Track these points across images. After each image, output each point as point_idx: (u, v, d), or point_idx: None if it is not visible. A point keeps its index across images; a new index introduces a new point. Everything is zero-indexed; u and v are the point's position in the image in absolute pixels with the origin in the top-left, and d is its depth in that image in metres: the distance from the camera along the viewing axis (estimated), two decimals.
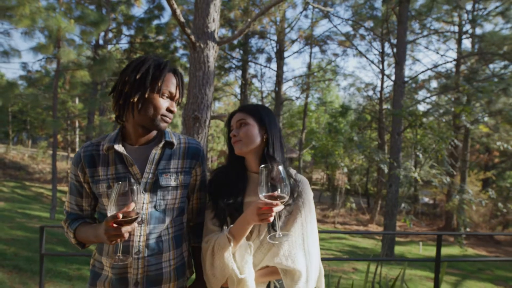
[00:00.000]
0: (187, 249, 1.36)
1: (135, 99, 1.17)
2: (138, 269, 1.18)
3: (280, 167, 1.07)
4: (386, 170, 6.71)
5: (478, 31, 12.66)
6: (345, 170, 14.73)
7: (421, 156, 5.33)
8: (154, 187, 1.21)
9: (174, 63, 15.90)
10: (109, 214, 0.99)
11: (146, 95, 1.17)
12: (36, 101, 9.05)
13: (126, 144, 1.25)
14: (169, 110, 1.20)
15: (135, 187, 1.02)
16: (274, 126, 1.30)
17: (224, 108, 29.16)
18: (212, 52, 4.24)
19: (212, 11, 4.16)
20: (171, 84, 1.20)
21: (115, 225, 0.98)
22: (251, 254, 1.20)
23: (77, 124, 22.61)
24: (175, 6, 3.79)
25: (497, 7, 11.36)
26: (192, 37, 4.08)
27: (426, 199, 21.04)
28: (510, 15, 10.63)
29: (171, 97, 1.21)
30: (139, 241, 1.18)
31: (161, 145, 1.24)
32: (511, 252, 11.66)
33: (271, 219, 1.07)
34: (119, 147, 1.20)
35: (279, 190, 1.04)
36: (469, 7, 12.61)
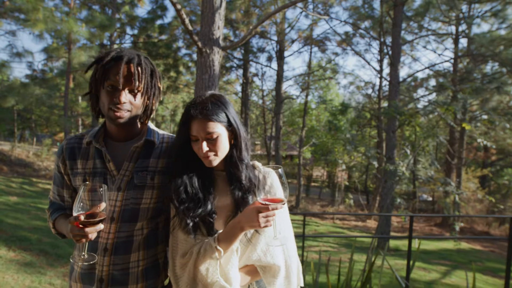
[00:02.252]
0: (163, 251, 1.29)
1: (91, 98, 1.19)
2: (103, 267, 1.15)
3: (280, 170, 1.02)
4: (376, 165, 7.07)
5: (476, 30, 12.96)
6: (344, 167, 15.08)
7: (408, 151, 5.66)
8: (128, 185, 1.17)
9: (177, 62, 16.22)
10: (74, 214, 0.97)
11: (94, 92, 1.17)
12: (41, 100, 9.40)
13: (109, 140, 1.22)
14: (114, 102, 1.11)
15: (102, 188, 0.98)
16: (239, 123, 1.17)
17: None
18: (217, 57, 4.61)
19: (217, 20, 4.53)
20: (115, 74, 1.10)
21: (80, 225, 0.96)
22: (237, 256, 1.12)
23: (80, 122, 23.00)
24: (184, 16, 4.17)
25: (492, 8, 11.67)
26: (199, 44, 4.46)
27: (425, 196, 21.38)
28: (504, 16, 10.95)
29: (117, 87, 1.11)
30: (107, 239, 1.16)
31: (140, 142, 1.19)
32: (505, 247, 12.01)
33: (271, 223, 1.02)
34: (97, 143, 1.18)
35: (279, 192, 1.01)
36: (465, 7, 12.92)
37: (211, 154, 1.12)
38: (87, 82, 11.13)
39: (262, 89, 20.06)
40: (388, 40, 11.23)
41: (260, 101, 22.60)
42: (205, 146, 1.11)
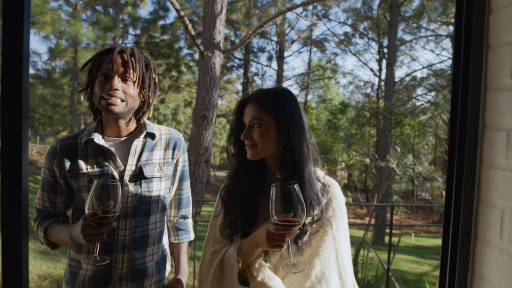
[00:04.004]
0: (167, 243, 1.34)
1: (87, 92, 1.18)
2: (124, 264, 1.14)
3: (296, 186, 0.87)
4: (368, 162, 7.35)
5: None
6: (343, 165, 15.34)
7: (399, 150, 5.94)
8: (138, 179, 1.16)
9: (178, 62, 16.46)
10: (86, 212, 0.94)
11: (89, 84, 1.16)
12: (45, 99, 9.68)
13: (105, 136, 1.18)
14: (106, 89, 1.08)
15: (115, 184, 0.95)
16: (296, 122, 1.03)
17: (226, 105, 29.75)
18: (218, 59, 4.90)
19: (218, 25, 4.81)
20: (108, 63, 1.09)
21: (93, 223, 0.93)
22: (273, 275, 1.01)
23: (82, 120, 23.30)
24: (187, 22, 4.45)
25: None
26: (201, 47, 4.74)
27: (424, 195, 21.60)
28: None
29: (109, 74, 1.09)
30: (124, 235, 1.14)
31: (142, 136, 1.19)
32: None
33: (284, 245, 0.89)
34: (98, 140, 1.14)
35: (294, 212, 0.85)
36: None
37: (251, 143, 1.04)
38: None
39: None
40: (386, 41, 11.47)
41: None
42: (247, 133, 1.04)
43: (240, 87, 20.89)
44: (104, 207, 0.91)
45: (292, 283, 1.03)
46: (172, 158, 1.26)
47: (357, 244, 3.32)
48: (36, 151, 23.23)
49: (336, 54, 17.87)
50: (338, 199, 1.07)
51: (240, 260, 1.00)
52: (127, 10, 15.48)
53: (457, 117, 0.83)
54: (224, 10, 4.88)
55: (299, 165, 1.02)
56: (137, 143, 1.19)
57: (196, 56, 16.12)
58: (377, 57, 16.88)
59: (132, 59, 1.12)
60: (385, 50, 10.61)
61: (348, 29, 16.47)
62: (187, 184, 1.36)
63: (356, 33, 15.21)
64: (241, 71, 18.46)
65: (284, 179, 1.03)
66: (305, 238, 1.01)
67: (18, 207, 0.76)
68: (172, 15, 15.31)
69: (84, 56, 8.30)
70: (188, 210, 1.39)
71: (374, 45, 16.85)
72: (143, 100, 1.20)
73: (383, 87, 17.23)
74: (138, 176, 1.16)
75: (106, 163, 1.15)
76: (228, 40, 15.63)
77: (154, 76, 1.21)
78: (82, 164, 1.14)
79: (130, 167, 1.16)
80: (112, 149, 1.16)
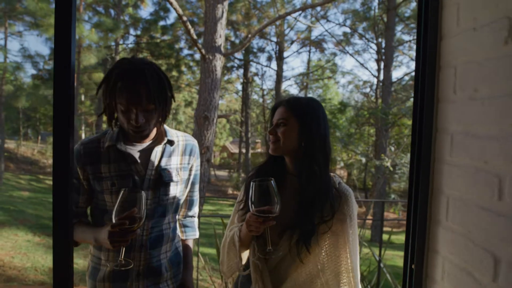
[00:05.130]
0: (179, 241, 1.41)
1: (106, 112, 1.17)
2: (141, 262, 1.22)
3: (272, 182, 0.99)
4: (364, 161, 7.55)
5: None
6: (342, 164, 15.54)
7: (393, 149, 6.13)
8: (157, 184, 1.22)
9: (179, 62, 16.64)
10: (114, 220, 0.99)
11: (106, 106, 1.16)
12: (47, 99, 9.86)
13: (128, 142, 1.22)
14: (131, 124, 1.12)
15: (140, 194, 1.01)
16: (318, 129, 1.13)
17: (226, 105, 29.93)
18: (219, 62, 5.09)
19: (219, 29, 5.00)
20: (125, 98, 1.09)
21: (119, 231, 0.99)
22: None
23: (83, 120, 23.46)
24: (189, 26, 4.64)
25: None
26: (203, 51, 4.93)
27: None
28: None
29: (131, 109, 1.11)
30: (142, 235, 1.21)
31: (163, 143, 1.25)
32: None
33: (260, 231, 1.03)
34: (121, 146, 1.19)
35: (269, 205, 0.98)
36: None
37: (274, 139, 1.15)
38: (93, 83, 11.58)
39: (262, 89, 20.50)
40: (384, 41, 11.66)
41: (261, 100, 23.05)
42: (272, 129, 1.16)
43: (240, 87, 21.09)
44: (129, 213, 0.97)
45: (302, 277, 1.12)
46: (188, 164, 1.33)
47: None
48: (38, 150, 23.38)
49: (335, 54, 18.07)
50: (350, 206, 1.14)
51: (240, 240, 1.14)
52: (128, 11, 15.66)
53: (417, 123, 1.03)
54: (225, 15, 5.07)
55: (315, 168, 1.10)
56: (157, 149, 1.24)
57: (196, 56, 16.29)
58: (376, 57, 17.10)
59: (148, 87, 1.10)
60: (383, 51, 10.79)
61: (347, 29, 16.67)
62: (197, 187, 1.44)
63: (355, 33, 15.40)
64: (241, 71, 18.66)
65: (299, 178, 1.13)
66: (313, 237, 1.09)
67: (65, 203, 0.95)
68: (172, 16, 15.47)
69: (87, 58, 8.50)
70: (196, 210, 1.48)
71: (373, 45, 17.07)
72: (161, 113, 1.22)
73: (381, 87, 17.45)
74: (158, 180, 1.22)
75: (128, 168, 1.20)
76: (228, 41, 15.82)
77: (170, 93, 1.22)
78: (105, 167, 1.19)
79: (150, 171, 1.21)
80: (135, 155, 1.21)
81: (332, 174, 1.19)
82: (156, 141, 1.26)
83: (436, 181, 1.00)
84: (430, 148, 1.01)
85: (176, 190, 1.29)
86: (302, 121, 1.13)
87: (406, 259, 1.08)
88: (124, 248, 1.03)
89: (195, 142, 1.39)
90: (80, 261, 4.10)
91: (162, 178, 1.23)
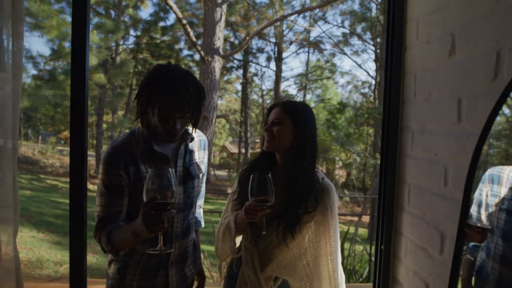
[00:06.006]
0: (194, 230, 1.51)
1: (145, 116, 1.19)
2: (175, 251, 1.29)
3: (269, 176, 1.11)
4: (358, 160, 7.67)
5: None
6: (340, 164, 15.66)
7: None
8: (186, 179, 1.28)
9: (179, 62, 16.78)
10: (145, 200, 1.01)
11: (144, 109, 1.17)
12: (47, 99, 9.97)
13: (159, 142, 1.25)
14: (168, 130, 1.17)
15: (169, 171, 1.01)
16: (309, 131, 1.27)
17: (225, 104, 30.03)
18: (217, 64, 5.24)
19: (218, 32, 5.15)
20: (166, 106, 1.13)
21: (153, 212, 0.99)
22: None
23: None
24: (189, 29, 4.79)
25: None
26: (202, 53, 5.08)
27: None
28: None
29: (169, 117, 1.15)
30: (177, 227, 1.29)
31: (188, 141, 1.30)
32: None
33: (257, 219, 1.14)
34: (157, 147, 1.23)
35: (266, 195, 1.09)
36: None
37: (270, 137, 1.26)
38: (93, 84, 11.71)
39: (261, 89, 20.64)
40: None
41: (260, 100, 23.21)
42: (269, 127, 1.27)
43: (239, 87, 21.23)
44: (161, 195, 0.98)
45: (286, 259, 1.25)
46: (204, 157, 1.41)
47: (352, 239, 3.63)
48: (38, 150, 23.50)
49: (334, 55, 18.21)
50: (331, 199, 1.25)
51: (236, 226, 1.27)
52: (128, 12, 15.78)
53: (385, 121, 1.18)
54: (224, 18, 5.22)
55: (305, 165, 1.23)
56: (182, 147, 1.28)
57: (196, 57, 16.43)
58: (374, 57, 17.26)
59: (187, 97, 1.14)
60: (378, 51, 10.93)
61: (345, 30, 16.82)
62: (205, 178, 1.51)
63: (354, 33, 15.53)
64: (241, 71, 18.80)
65: (289, 173, 1.25)
66: (297, 225, 1.21)
67: (81, 204, 1.09)
68: (172, 17, 15.58)
69: (90, 59, 8.67)
70: (202, 201, 1.55)
71: (371, 46, 17.21)
72: (193, 119, 1.25)
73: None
74: (186, 176, 1.28)
75: (163, 167, 1.22)
76: (227, 41, 15.96)
77: (203, 104, 1.26)
78: (143, 168, 1.20)
79: (179, 168, 1.27)
80: (168, 155, 1.24)
81: (316, 169, 1.31)
82: (181, 139, 1.29)
83: (401, 172, 1.15)
84: (396, 143, 1.16)
85: (199, 182, 1.37)
86: (296, 122, 1.24)
87: (377, 242, 1.23)
88: (162, 237, 1.04)
89: (205, 137, 1.45)
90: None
91: (190, 173, 1.29)
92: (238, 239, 1.35)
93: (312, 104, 22.94)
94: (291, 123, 1.24)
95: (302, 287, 1.24)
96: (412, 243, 1.07)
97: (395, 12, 1.15)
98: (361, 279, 3.69)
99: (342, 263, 3.65)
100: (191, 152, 1.32)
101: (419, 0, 1.08)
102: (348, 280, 3.67)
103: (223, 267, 1.40)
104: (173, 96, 1.12)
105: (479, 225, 0.78)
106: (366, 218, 16.43)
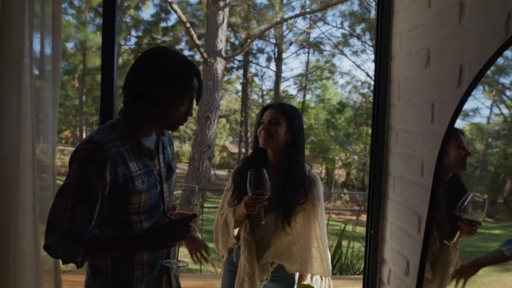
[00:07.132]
0: None
1: (162, 104, 1.07)
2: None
3: (265, 171, 1.22)
4: (357, 160, 7.82)
5: None
6: (340, 164, 15.84)
7: None
8: (168, 175, 1.21)
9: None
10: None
11: (175, 103, 1.08)
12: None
13: (138, 136, 1.13)
14: (188, 113, 1.13)
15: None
16: (301, 130, 1.40)
17: (226, 104, 30.19)
18: (220, 65, 5.41)
19: (220, 34, 5.32)
20: (197, 89, 1.12)
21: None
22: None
23: (83, 120, 23.72)
24: (192, 32, 4.95)
25: None
26: (205, 55, 5.25)
27: None
28: None
29: (192, 101, 1.13)
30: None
31: (165, 135, 1.24)
32: None
33: (256, 210, 1.26)
34: (145, 142, 1.13)
35: (262, 189, 1.21)
36: None
37: (267, 135, 1.36)
38: (96, 84, 11.88)
39: (262, 89, 20.82)
40: None
41: (260, 100, 23.37)
42: (266, 126, 1.38)
43: (239, 87, 21.40)
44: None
45: (282, 245, 1.38)
46: (172, 153, 1.33)
47: (350, 236, 3.81)
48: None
49: (333, 55, 18.37)
50: (318, 189, 1.40)
51: (234, 219, 1.38)
52: (130, 12, 15.94)
53: (374, 122, 1.36)
54: (226, 21, 5.39)
55: (299, 160, 1.38)
56: (161, 142, 1.21)
57: (197, 57, 16.60)
58: (373, 57, 17.42)
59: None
60: None
61: (345, 30, 16.99)
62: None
63: (353, 34, 15.68)
64: (241, 71, 18.96)
65: (282, 169, 1.39)
66: (291, 214, 1.36)
67: None
68: (173, 18, 15.75)
69: (92, 60, 8.82)
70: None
71: (370, 47, 17.35)
72: None
73: None
74: (168, 171, 1.21)
75: (149, 163, 1.13)
76: (228, 42, 16.12)
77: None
78: (133, 166, 1.08)
79: (162, 164, 1.19)
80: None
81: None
82: (159, 133, 1.21)
83: (387, 166, 1.33)
84: (384, 141, 1.34)
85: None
86: (290, 122, 1.38)
87: (367, 227, 1.41)
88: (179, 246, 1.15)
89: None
90: None
91: (172, 168, 1.23)
92: (235, 232, 1.48)
93: (312, 104, 23.11)
94: (285, 123, 1.36)
95: (297, 269, 1.38)
96: (396, 226, 1.25)
97: (382, 27, 1.32)
98: (358, 272, 3.86)
99: (340, 259, 3.83)
100: (165, 147, 1.26)
101: (402, 17, 1.26)
102: (345, 273, 3.85)
103: (223, 258, 1.53)
104: (201, 84, 1.15)
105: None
106: (364, 217, 16.63)
